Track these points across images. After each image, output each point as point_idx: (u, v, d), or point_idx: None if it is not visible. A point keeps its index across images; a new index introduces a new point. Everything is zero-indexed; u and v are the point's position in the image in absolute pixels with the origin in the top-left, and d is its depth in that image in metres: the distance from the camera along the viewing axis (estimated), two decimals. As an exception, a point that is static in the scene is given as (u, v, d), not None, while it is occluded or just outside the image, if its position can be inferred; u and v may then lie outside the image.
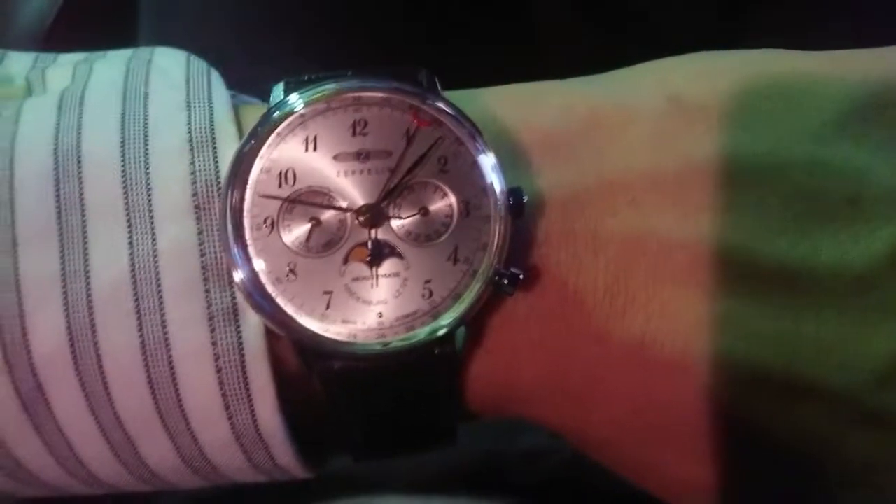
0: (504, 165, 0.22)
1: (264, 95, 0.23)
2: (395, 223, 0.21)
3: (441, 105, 0.22)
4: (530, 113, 0.23)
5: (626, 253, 0.21)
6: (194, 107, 0.22)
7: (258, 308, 0.21)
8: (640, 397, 0.22)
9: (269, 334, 0.21)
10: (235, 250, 0.21)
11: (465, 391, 0.23)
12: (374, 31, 0.39)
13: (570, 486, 0.31)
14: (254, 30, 0.40)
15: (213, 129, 0.22)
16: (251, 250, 0.21)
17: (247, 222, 0.21)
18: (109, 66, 0.23)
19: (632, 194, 0.22)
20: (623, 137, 0.22)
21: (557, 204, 0.22)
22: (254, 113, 0.22)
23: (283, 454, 0.22)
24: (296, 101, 0.21)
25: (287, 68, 0.23)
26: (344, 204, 0.21)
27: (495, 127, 0.22)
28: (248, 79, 0.25)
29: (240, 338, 0.21)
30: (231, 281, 0.21)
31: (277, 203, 0.21)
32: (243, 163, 0.21)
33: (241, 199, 0.21)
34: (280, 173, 0.21)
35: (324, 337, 0.21)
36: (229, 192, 0.21)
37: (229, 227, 0.21)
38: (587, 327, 0.22)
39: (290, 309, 0.21)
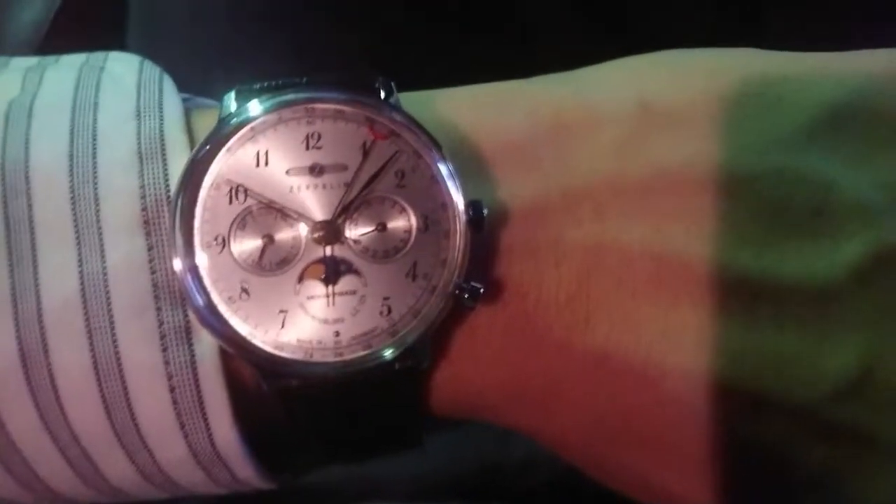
0: (464, 176, 0.21)
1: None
2: (351, 239, 0.21)
3: (398, 117, 0.21)
4: (492, 118, 0.22)
5: (588, 263, 0.21)
6: (144, 116, 0.21)
7: (210, 328, 0.20)
8: (603, 406, 0.21)
9: (224, 351, 0.21)
10: (186, 270, 0.20)
11: (428, 400, 0.22)
12: (368, 29, 0.38)
13: (565, 495, 0.31)
14: (243, 36, 0.39)
15: (163, 140, 0.21)
16: (201, 269, 0.20)
17: (197, 240, 0.20)
18: (60, 74, 0.23)
19: (596, 203, 0.21)
20: (588, 144, 0.22)
21: (519, 214, 0.21)
22: (207, 120, 0.22)
23: (243, 470, 0.22)
24: (246, 112, 0.21)
25: (276, 71, 0.22)
26: (298, 220, 0.21)
27: (455, 134, 0.22)
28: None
29: (192, 356, 0.20)
30: (182, 299, 0.20)
31: (228, 220, 0.20)
32: (192, 179, 0.20)
33: (191, 217, 0.20)
34: (231, 190, 0.21)
35: (279, 357, 0.21)
36: (177, 210, 0.20)
37: (178, 244, 0.20)
38: (549, 338, 0.21)
39: (243, 329, 0.20)
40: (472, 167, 0.22)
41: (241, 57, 0.37)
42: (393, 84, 0.22)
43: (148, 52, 0.24)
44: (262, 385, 0.21)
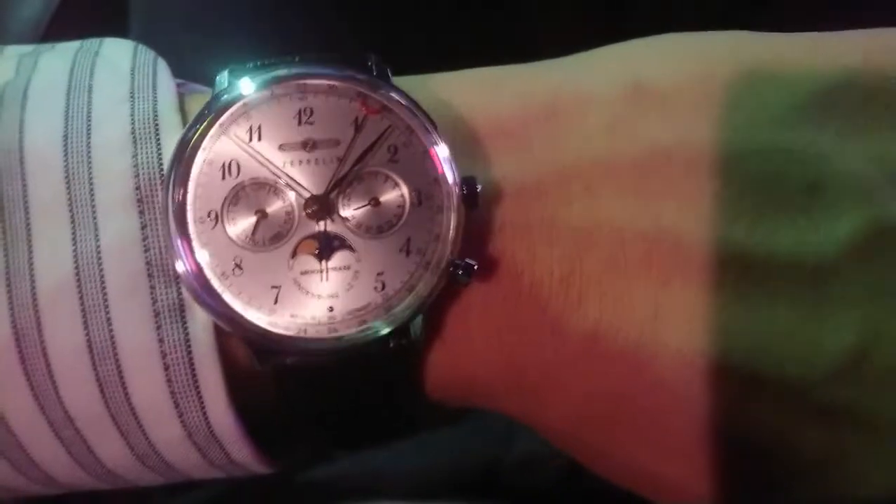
0: (458, 154, 0.21)
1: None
2: (345, 214, 0.21)
3: (390, 93, 0.21)
4: (486, 99, 0.22)
5: (581, 243, 0.21)
6: (138, 98, 0.21)
7: (204, 304, 0.20)
8: (594, 386, 0.21)
9: (219, 330, 0.21)
10: (179, 245, 0.20)
11: (423, 381, 0.22)
12: (370, 26, 0.38)
13: (567, 493, 0.31)
14: (245, 36, 0.39)
15: (156, 121, 0.21)
16: (195, 244, 0.20)
17: (190, 216, 0.20)
18: (55, 59, 0.23)
19: (587, 183, 0.21)
20: (580, 125, 0.22)
21: (513, 193, 0.21)
22: (200, 102, 0.22)
23: (238, 451, 0.22)
24: (239, 89, 0.21)
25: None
26: (291, 195, 0.21)
27: (449, 114, 0.22)
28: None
29: (187, 335, 0.20)
30: (176, 277, 0.20)
31: (221, 196, 0.21)
32: (185, 155, 0.20)
33: (184, 192, 0.20)
34: (223, 165, 0.21)
35: (273, 332, 0.21)
36: (171, 186, 0.20)
37: (172, 221, 0.20)
38: (542, 318, 0.21)
39: (237, 304, 0.20)
40: (465, 146, 0.22)
41: (241, 55, 0.37)
42: (387, 67, 0.22)
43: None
44: (255, 363, 0.21)
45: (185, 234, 0.20)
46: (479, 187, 0.21)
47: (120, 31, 0.41)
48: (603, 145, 0.21)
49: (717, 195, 0.20)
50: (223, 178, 0.21)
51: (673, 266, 0.20)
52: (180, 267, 0.20)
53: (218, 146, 0.21)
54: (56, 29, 0.41)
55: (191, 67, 0.25)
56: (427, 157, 0.21)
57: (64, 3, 0.40)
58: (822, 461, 0.20)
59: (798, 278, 0.20)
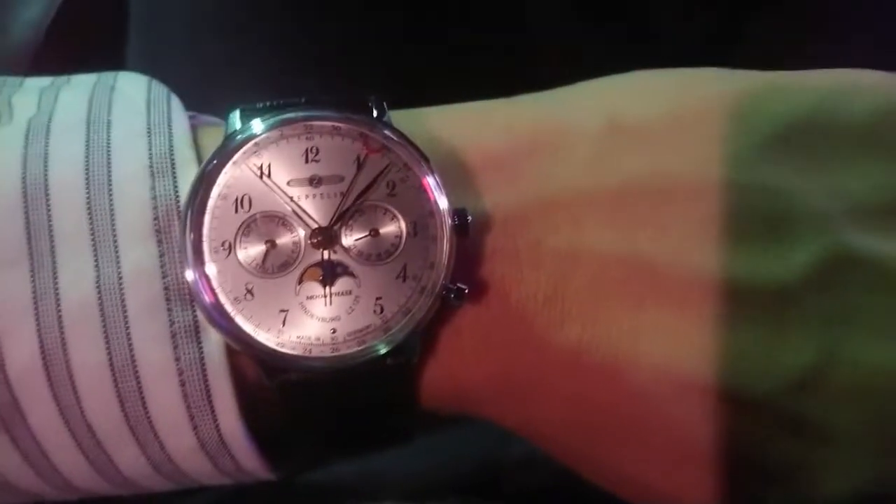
0: (450, 186, 0.23)
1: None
2: (347, 244, 0.23)
3: (389, 133, 0.23)
4: (475, 133, 0.24)
5: (565, 267, 0.23)
6: (154, 133, 0.23)
7: (218, 327, 0.22)
8: (579, 401, 0.23)
9: (230, 349, 0.22)
10: (195, 273, 0.22)
11: (418, 396, 0.24)
12: (369, 45, 0.39)
13: (564, 494, 0.32)
14: (244, 40, 0.40)
15: (172, 155, 0.23)
16: (210, 272, 0.22)
17: (206, 246, 0.22)
18: (74, 94, 0.24)
19: (571, 213, 0.23)
20: (563, 157, 0.23)
21: (501, 222, 0.23)
22: (212, 136, 0.23)
23: (247, 459, 0.24)
24: (250, 129, 0.22)
25: (275, 85, 0.24)
26: (298, 227, 0.23)
27: (442, 148, 0.24)
28: (235, 97, 0.25)
29: (201, 354, 0.22)
30: (192, 301, 0.22)
31: (234, 227, 0.22)
32: (201, 190, 0.22)
33: (200, 224, 0.22)
34: (236, 199, 0.22)
35: (281, 352, 0.22)
36: (188, 218, 0.22)
37: (189, 250, 0.22)
38: (528, 335, 0.23)
39: (248, 327, 0.22)
40: (457, 178, 0.23)
41: (240, 61, 0.38)
42: (384, 103, 0.24)
43: (147, 56, 0.25)
44: (264, 380, 0.23)
45: (200, 262, 0.22)
46: (470, 218, 0.23)
47: (118, 37, 0.42)
48: (583, 178, 0.23)
49: (686, 225, 0.22)
50: (236, 211, 0.22)
51: (648, 289, 0.22)
52: (196, 294, 0.22)
53: (231, 182, 0.22)
54: (56, 32, 0.42)
55: (191, 74, 0.26)
56: (422, 192, 0.23)
57: (64, 6, 0.40)
58: (793, 468, 0.22)
59: (760, 303, 0.22)
